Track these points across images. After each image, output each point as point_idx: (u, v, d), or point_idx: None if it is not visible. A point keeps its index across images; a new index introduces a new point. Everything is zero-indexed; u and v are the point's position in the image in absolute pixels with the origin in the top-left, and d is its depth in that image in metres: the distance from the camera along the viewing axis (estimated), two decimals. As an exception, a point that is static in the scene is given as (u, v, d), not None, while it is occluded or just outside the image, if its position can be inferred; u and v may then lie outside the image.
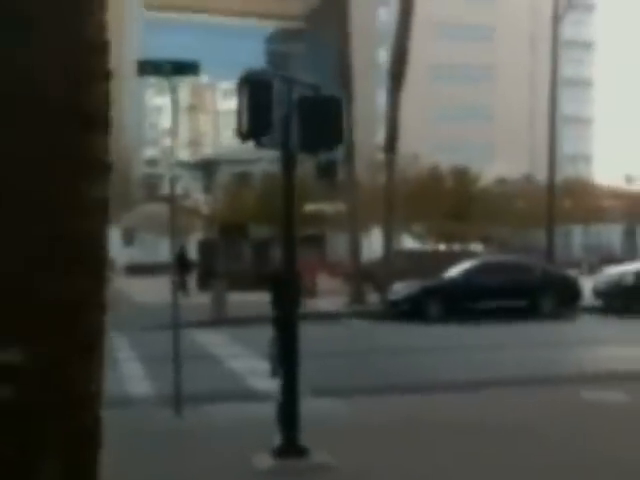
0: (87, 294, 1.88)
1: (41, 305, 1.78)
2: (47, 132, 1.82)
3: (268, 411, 9.62)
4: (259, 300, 29.12)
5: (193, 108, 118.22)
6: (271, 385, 12.66)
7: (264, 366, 14.73)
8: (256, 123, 7.22)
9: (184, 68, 10.42)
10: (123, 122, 74.41)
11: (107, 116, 1.97)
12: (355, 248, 27.15)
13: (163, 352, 17.11)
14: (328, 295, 29.15)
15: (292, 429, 7.84)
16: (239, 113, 7.39)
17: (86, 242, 1.88)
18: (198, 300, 29.60)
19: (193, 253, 49.76)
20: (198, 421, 9.87)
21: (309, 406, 8.36)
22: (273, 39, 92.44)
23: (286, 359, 7.94)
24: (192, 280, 34.54)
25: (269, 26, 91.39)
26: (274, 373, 8.08)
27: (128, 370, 14.28)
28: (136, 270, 45.86)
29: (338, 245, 42.58)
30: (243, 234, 37.09)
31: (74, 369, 1.83)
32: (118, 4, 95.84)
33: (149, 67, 10.13)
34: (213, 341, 18.78)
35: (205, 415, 10.26)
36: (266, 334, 19.81)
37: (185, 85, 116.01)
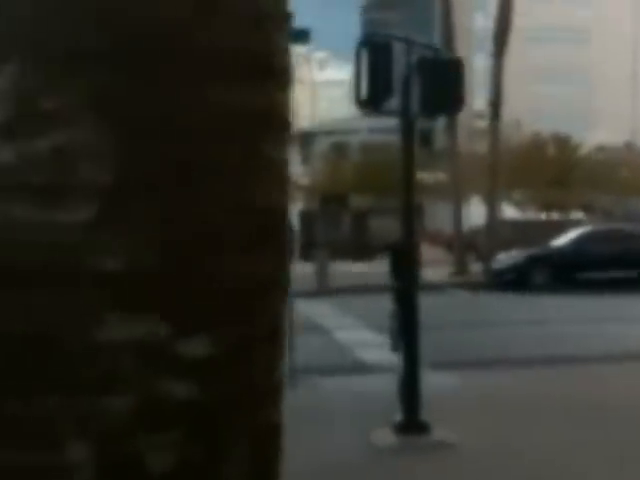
0: (271, 273, 1.63)
1: (222, 287, 1.55)
2: (218, 85, 1.56)
3: (380, 384, 9.43)
4: (360, 270, 29.03)
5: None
6: (379, 357, 12.50)
7: (371, 338, 14.62)
8: (376, 89, 6.93)
9: (294, 35, 10.16)
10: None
11: (287, 66, 1.71)
12: (458, 217, 26.68)
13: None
14: (431, 265, 28.77)
15: (413, 404, 7.61)
16: (357, 79, 7.12)
17: (269, 213, 1.64)
18: (300, 270, 29.68)
19: (295, 223, 49.98)
20: (312, 394, 9.71)
21: (423, 380, 8.11)
22: (369, 8, 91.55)
23: (406, 332, 7.68)
24: (295, 250, 34.64)
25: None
26: (395, 347, 7.81)
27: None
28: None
29: (435, 214, 42.12)
30: (343, 204, 36.92)
31: (259, 357, 1.61)
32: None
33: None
34: (318, 311, 18.65)
35: (319, 388, 10.11)
36: (370, 305, 19.85)
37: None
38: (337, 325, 16.17)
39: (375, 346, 13.58)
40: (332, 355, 12.90)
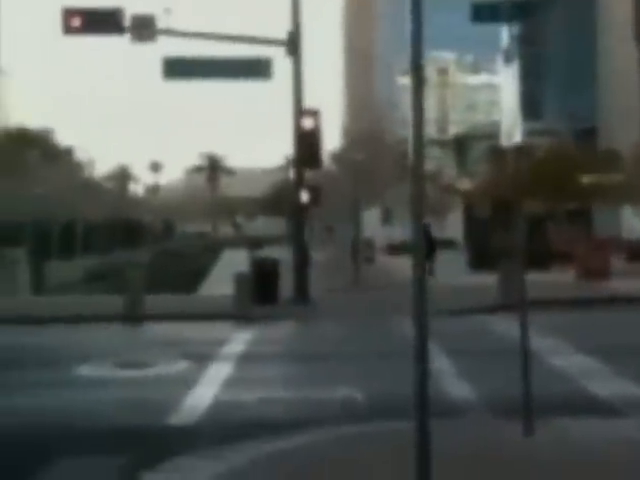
0: None
1: None
2: None
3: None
4: (539, 280, 26.94)
5: (442, 86, 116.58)
6: (615, 391, 10.59)
7: (592, 364, 12.73)
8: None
9: (525, 9, 8.55)
10: (376, 103, 73.53)
11: None
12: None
13: (463, 342, 15.42)
14: (618, 276, 26.52)
15: None
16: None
17: None
18: (473, 281, 27.75)
19: (454, 231, 48.01)
20: (560, 446, 7.86)
21: None
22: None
23: None
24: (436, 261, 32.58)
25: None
26: None
27: (437, 365, 12.58)
28: (396, 249, 44.63)
29: (603, 220, 39.43)
30: (517, 210, 34.73)
31: None
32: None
33: (485, 11, 8.39)
34: (512, 330, 16.75)
35: (563, 436, 8.26)
36: (566, 322, 17.58)
37: (430, 61, 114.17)
38: (543, 347, 14.15)
39: (601, 376, 11.71)
40: (556, 387, 10.99)
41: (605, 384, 11.06)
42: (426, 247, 24.87)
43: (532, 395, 8.06)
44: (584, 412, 9.42)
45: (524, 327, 8.24)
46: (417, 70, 5.88)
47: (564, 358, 13.23)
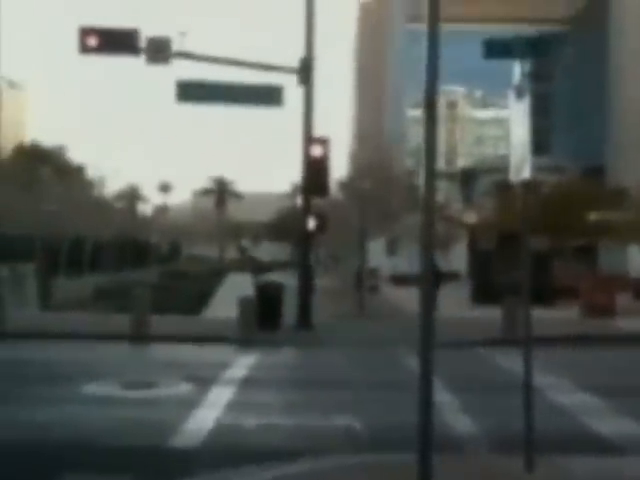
0: None
1: None
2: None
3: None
4: (543, 316, 26.99)
5: (452, 119, 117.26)
6: (617, 429, 10.61)
7: (594, 402, 12.75)
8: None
9: (537, 46, 8.66)
10: (385, 134, 73.87)
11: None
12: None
13: (465, 375, 15.46)
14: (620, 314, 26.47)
15: None
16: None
17: None
18: (477, 315, 27.76)
19: (459, 263, 48.04)
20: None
21: None
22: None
23: None
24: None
25: (531, 30, 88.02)
26: None
27: (439, 398, 12.58)
28: (400, 280, 44.69)
29: (609, 257, 39.44)
30: (522, 245, 34.75)
31: None
32: (380, 17, 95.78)
33: (497, 48, 8.49)
34: (514, 365, 16.77)
35: (563, 473, 8.29)
36: (567, 358, 17.33)
37: (440, 95, 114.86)
38: (545, 383, 14.15)
39: (603, 414, 11.73)
40: (558, 424, 11.00)
41: (607, 422, 11.08)
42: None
43: (534, 431, 8.07)
44: (585, 449, 9.45)
45: (528, 363, 8.27)
46: (430, 106, 5.99)
47: (566, 395, 13.24)
